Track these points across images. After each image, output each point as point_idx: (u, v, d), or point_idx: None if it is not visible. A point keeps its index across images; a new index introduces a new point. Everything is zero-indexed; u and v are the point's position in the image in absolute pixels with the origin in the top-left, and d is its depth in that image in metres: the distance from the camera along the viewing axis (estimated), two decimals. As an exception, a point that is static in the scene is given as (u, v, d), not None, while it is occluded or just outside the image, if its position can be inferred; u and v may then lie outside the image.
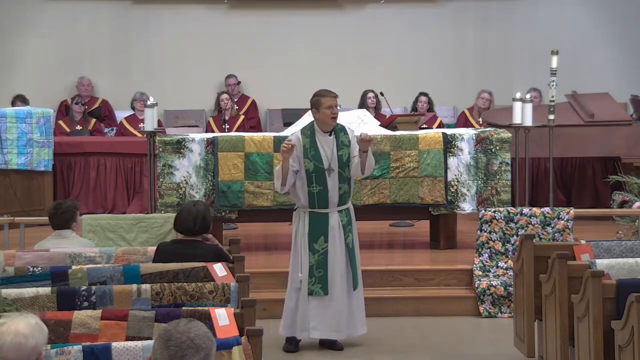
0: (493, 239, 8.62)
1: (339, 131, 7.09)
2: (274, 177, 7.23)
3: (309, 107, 7.16)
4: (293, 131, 9.43)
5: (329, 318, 7.04)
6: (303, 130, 7.13)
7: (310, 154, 7.01)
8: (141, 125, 10.47)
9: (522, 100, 9.68)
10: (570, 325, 5.93)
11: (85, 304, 5.15)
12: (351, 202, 7.24)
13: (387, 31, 13.49)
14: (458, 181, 9.12)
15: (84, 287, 5.25)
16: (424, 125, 11.09)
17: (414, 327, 7.85)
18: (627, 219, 9.00)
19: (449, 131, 9.47)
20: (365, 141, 6.90)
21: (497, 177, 9.15)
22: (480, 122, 11.81)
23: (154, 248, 6.24)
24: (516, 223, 8.61)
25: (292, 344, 7.16)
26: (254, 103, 13.36)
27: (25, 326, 3.33)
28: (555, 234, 8.56)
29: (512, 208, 8.79)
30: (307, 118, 9.66)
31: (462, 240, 9.39)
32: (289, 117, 11.60)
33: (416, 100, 12.39)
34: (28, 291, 5.17)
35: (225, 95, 12.58)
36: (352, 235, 7.10)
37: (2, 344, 3.28)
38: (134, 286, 5.26)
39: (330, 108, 7.00)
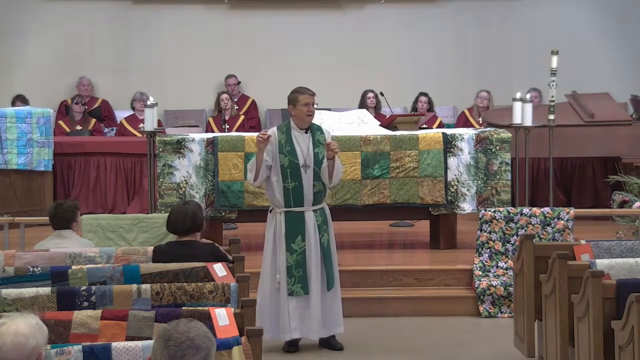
0: (493, 239, 8.62)
1: (315, 130, 7.15)
2: (246, 170, 7.26)
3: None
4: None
5: (308, 317, 7.03)
6: (279, 127, 7.19)
7: (285, 149, 7.04)
8: (141, 125, 10.47)
9: (522, 100, 9.67)
10: (570, 325, 5.93)
11: (85, 304, 5.15)
12: (326, 203, 7.24)
13: (387, 31, 13.49)
14: (458, 181, 9.12)
15: (84, 287, 5.25)
16: (424, 125, 11.09)
17: (414, 327, 7.84)
18: (627, 219, 8.99)
19: (449, 131, 9.47)
20: (329, 149, 6.94)
21: (497, 177, 9.15)
22: (480, 122, 11.82)
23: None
24: (516, 223, 8.61)
25: (292, 345, 7.16)
26: (254, 103, 13.36)
27: (26, 326, 3.32)
28: (555, 234, 8.56)
29: (512, 208, 8.79)
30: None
31: (462, 240, 9.39)
32: (289, 117, 11.58)
33: (416, 100, 12.39)
34: (28, 291, 5.17)
35: (225, 95, 12.59)
36: (327, 235, 7.10)
37: (3, 344, 3.28)
38: (134, 286, 5.26)
39: (307, 105, 7.06)
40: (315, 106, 7.17)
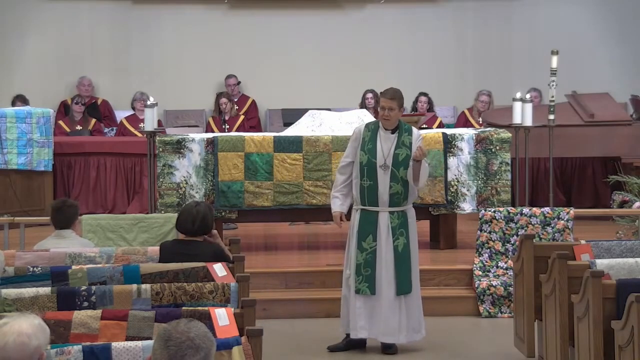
0: (493, 239, 8.62)
1: (403, 131, 7.05)
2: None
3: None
4: (294, 131, 9.46)
5: (376, 319, 6.97)
6: (368, 124, 7.15)
7: (367, 147, 6.99)
8: (141, 125, 10.49)
9: (522, 100, 9.68)
10: (570, 325, 5.93)
11: (85, 304, 5.15)
12: (412, 206, 7.14)
13: (387, 31, 13.49)
14: (458, 181, 9.12)
15: (84, 287, 5.26)
16: (424, 125, 11.09)
17: (414, 327, 7.84)
18: (627, 219, 8.99)
19: (449, 131, 9.47)
20: (417, 154, 6.89)
21: (497, 177, 9.15)
22: (480, 122, 11.82)
23: (154, 248, 6.26)
24: (516, 223, 8.61)
25: (352, 344, 7.10)
26: (254, 103, 13.36)
27: (29, 326, 3.32)
28: (555, 234, 8.56)
29: (512, 208, 8.79)
30: (307, 118, 9.66)
31: (462, 240, 9.39)
32: (289, 117, 11.58)
33: (416, 100, 12.40)
34: (28, 291, 5.17)
35: (224, 100, 12.47)
36: (403, 239, 6.98)
37: (5, 344, 3.27)
38: (134, 286, 5.26)
39: (383, 110, 7.00)
40: (392, 111, 6.98)
